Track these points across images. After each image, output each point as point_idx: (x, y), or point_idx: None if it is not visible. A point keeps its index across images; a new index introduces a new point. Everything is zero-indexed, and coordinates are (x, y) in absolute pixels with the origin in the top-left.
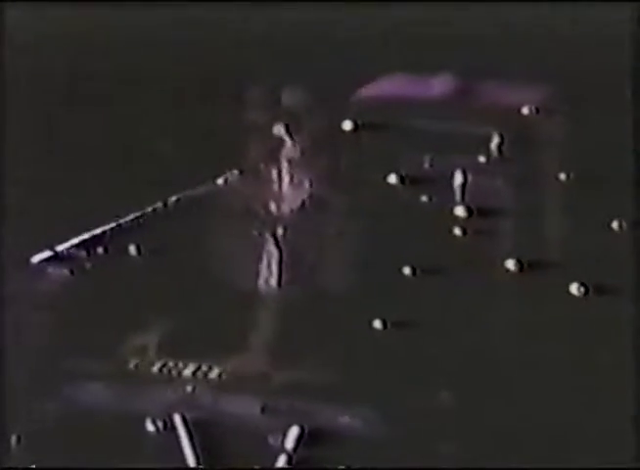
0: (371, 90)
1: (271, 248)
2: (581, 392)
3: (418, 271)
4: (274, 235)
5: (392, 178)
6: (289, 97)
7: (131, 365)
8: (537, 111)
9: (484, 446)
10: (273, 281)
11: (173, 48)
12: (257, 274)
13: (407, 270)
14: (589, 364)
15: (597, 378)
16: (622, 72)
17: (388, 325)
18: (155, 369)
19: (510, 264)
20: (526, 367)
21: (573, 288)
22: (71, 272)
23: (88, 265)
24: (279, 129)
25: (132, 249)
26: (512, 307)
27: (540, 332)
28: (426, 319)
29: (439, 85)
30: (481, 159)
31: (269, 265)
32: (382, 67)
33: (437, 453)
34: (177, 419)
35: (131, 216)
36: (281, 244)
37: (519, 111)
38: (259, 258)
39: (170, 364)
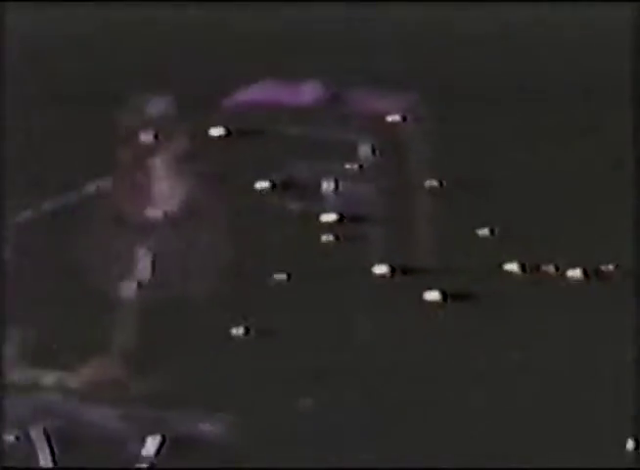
0: (242, 96)
1: (140, 253)
2: (447, 397)
3: (288, 278)
4: (144, 241)
5: (263, 184)
6: (157, 103)
7: None
8: (406, 118)
9: (346, 453)
10: (139, 287)
11: (43, 50)
12: (124, 280)
13: (278, 276)
14: (452, 370)
15: (460, 384)
16: (493, 77)
17: (253, 332)
18: (12, 378)
19: (380, 270)
20: (391, 374)
21: (435, 295)
22: None
23: None
24: (149, 135)
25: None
26: (380, 314)
27: (406, 338)
28: (291, 326)
29: (310, 92)
30: (352, 166)
31: (136, 271)
32: (252, 73)
33: (299, 459)
34: (36, 428)
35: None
36: (151, 250)
37: (388, 118)
38: (128, 264)
39: (29, 372)
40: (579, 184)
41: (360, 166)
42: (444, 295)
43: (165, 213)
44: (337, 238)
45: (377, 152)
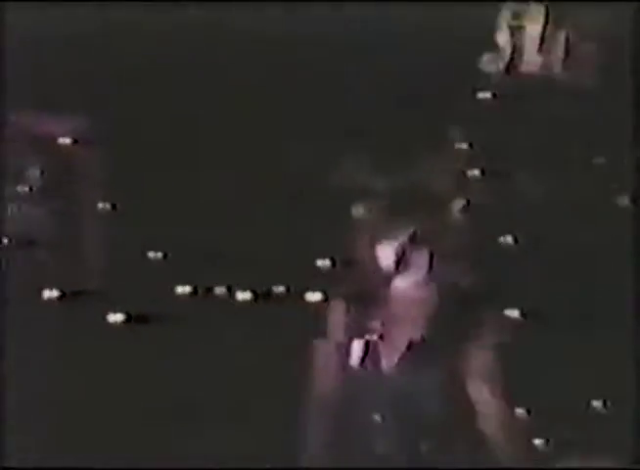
0: None
1: None
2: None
3: None
4: None
5: None
6: None
7: None
8: (77, 141)
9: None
10: None
11: None
12: None
13: None
14: (129, 390)
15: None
16: (163, 101)
17: None
18: None
19: (50, 294)
20: (74, 396)
21: (114, 317)
22: None
23: None
24: None
25: None
26: (52, 337)
27: (81, 361)
28: None
29: None
30: (22, 188)
31: None
32: None
33: None
34: None
35: None
36: None
37: (59, 141)
38: None
39: None
40: (253, 207)
41: (30, 189)
42: (128, 315)
43: None
44: (6, 262)
45: (46, 174)
